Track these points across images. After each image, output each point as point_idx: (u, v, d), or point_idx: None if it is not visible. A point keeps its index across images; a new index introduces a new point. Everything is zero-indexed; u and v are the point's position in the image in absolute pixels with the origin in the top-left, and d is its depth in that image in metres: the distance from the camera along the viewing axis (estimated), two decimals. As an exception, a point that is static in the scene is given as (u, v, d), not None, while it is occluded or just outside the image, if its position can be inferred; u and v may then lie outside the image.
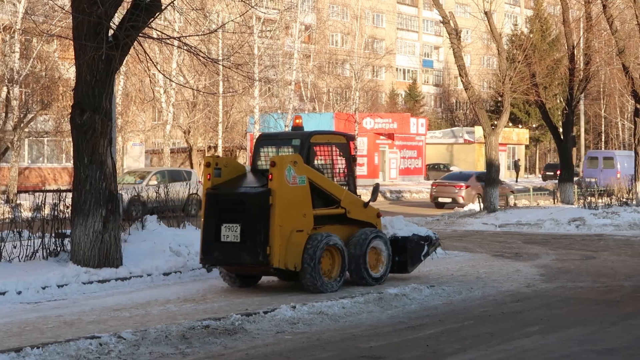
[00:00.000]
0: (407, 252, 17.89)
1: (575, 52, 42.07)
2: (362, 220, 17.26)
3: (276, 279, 17.49)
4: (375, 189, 18.05)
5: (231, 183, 16.18)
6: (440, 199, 43.93)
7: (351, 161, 17.37)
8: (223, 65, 25.65)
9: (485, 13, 38.17)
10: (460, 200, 42.25)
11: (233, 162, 16.95)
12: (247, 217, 15.45)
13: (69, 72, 43.99)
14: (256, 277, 16.93)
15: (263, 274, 16.63)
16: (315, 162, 16.65)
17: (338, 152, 17.18)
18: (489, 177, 36.97)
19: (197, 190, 34.34)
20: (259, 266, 15.55)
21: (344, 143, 17.38)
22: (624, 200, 37.14)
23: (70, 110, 17.72)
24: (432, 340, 12.08)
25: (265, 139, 17.54)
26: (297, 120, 17.47)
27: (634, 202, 36.57)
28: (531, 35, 50.15)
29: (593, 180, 50.30)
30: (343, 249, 16.36)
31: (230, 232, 15.51)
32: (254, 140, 17.89)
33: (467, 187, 43.72)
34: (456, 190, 43.64)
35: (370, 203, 17.51)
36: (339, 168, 17.21)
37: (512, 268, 20.20)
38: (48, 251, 17.96)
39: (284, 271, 15.76)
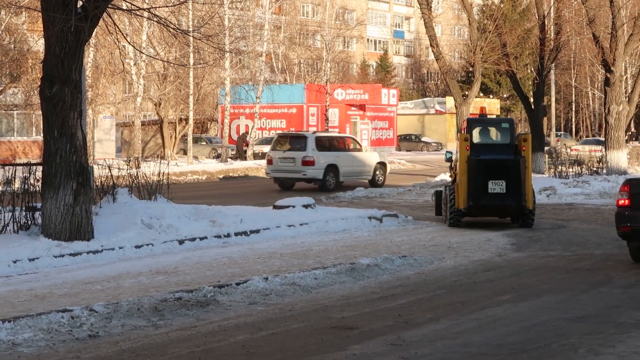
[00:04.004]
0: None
1: (545, 22, 42.13)
2: None
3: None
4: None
5: (478, 152, 22.23)
6: None
7: None
8: (193, 37, 25.47)
9: (456, -17, 38.10)
10: None
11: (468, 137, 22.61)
12: (510, 175, 21.86)
13: (38, 44, 43.61)
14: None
15: (512, 214, 22.73)
16: None
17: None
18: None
19: None
20: (517, 209, 22.07)
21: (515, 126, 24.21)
22: (595, 169, 37.35)
23: (39, 83, 17.58)
24: (404, 310, 12.14)
25: (475, 122, 23.50)
26: (482, 111, 24.38)
27: (604, 171, 36.79)
28: (502, 5, 50.11)
29: None
30: None
31: (496, 186, 21.80)
32: (466, 123, 23.51)
33: None
34: None
35: None
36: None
37: (483, 237, 20.31)
38: (19, 225, 17.84)
39: (526, 212, 22.14)
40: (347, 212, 23.39)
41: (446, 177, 38.21)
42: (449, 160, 24.80)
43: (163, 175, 21.32)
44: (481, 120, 23.80)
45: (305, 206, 23.12)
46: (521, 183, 21.92)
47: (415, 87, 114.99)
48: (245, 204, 25.76)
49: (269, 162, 36.07)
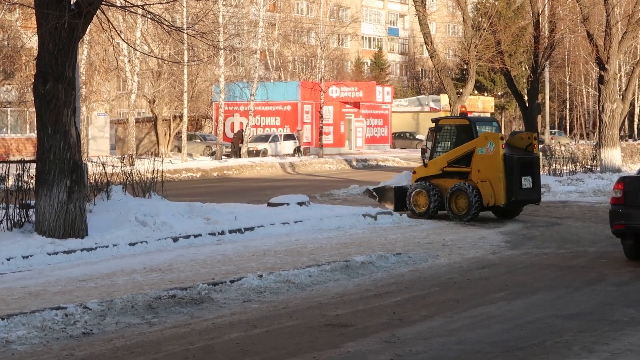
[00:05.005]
0: None
1: (540, 20, 42.19)
2: None
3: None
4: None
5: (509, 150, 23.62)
6: None
7: None
8: (187, 34, 25.44)
9: (451, -19, 38.12)
10: None
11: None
12: (534, 171, 23.68)
13: (32, 41, 43.55)
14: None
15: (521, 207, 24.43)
16: None
17: None
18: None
19: None
20: (537, 201, 24.00)
21: None
22: (589, 167, 37.39)
23: (33, 80, 17.55)
24: (398, 308, 12.14)
25: (477, 122, 24.80)
26: (463, 109, 26.60)
27: (598, 169, 36.83)
28: (496, 3, 50.22)
29: None
30: None
31: (527, 182, 23.41)
32: (467, 122, 24.38)
33: None
34: None
35: None
36: None
37: (477, 235, 20.31)
38: (12, 222, 17.82)
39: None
40: (342, 210, 23.38)
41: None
42: (424, 156, 25.00)
43: (157, 173, 21.29)
44: (479, 119, 24.90)
45: (300, 204, 23.11)
46: (539, 179, 24.03)
47: (409, 85, 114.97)
48: (239, 201, 25.77)
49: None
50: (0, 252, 15.63)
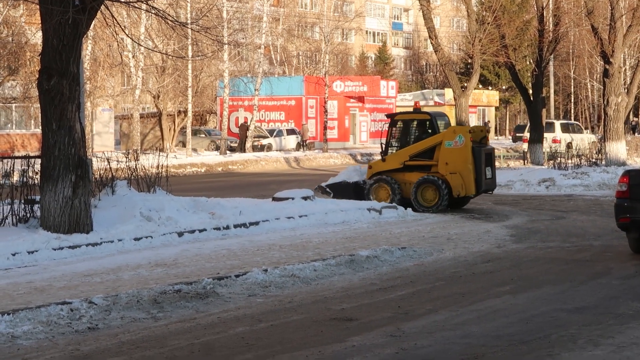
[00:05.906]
0: None
1: (544, 14, 42.09)
2: None
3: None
4: None
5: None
6: None
7: None
8: (192, 29, 25.47)
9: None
10: None
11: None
12: (491, 162, 25.00)
13: (36, 37, 43.55)
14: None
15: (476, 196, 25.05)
16: None
17: None
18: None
19: None
20: (493, 190, 25.48)
21: None
22: (593, 160, 37.34)
23: (37, 76, 17.55)
24: (403, 301, 12.14)
25: (438, 116, 25.83)
26: (418, 105, 27.09)
27: (603, 163, 36.79)
28: (500, -3, 50.02)
29: None
30: None
31: (488, 172, 24.54)
32: (428, 116, 25.46)
33: None
34: None
35: None
36: None
37: (482, 229, 20.30)
38: (17, 217, 17.84)
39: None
40: (347, 204, 23.37)
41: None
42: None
43: (162, 168, 21.29)
44: (437, 114, 26.24)
45: (305, 198, 23.12)
46: (495, 169, 25.59)
47: (414, 79, 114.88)
48: (244, 196, 25.76)
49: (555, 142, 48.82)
50: (5, 247, 15.65)
